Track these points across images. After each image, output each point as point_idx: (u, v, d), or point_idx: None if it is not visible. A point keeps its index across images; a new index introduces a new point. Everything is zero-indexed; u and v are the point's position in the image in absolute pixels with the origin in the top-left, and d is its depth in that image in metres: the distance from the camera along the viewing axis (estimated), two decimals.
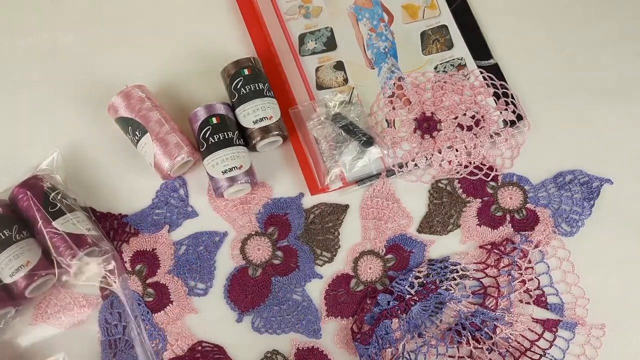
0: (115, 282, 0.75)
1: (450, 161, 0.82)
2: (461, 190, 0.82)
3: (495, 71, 0.86)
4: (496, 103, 0.84)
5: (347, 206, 0.81)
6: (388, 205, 0.81)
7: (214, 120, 0.77)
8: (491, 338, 0.75)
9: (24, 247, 0.71)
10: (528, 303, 0.78)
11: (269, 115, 0.78)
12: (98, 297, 0.76)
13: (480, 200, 0.82)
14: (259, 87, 0.79)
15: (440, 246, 0.80)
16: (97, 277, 0.75)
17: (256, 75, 0.79)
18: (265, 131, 0.78)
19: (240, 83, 0.78)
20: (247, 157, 0.78)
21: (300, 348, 0.76)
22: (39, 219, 0.72)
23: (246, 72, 0.79)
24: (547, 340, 0.76)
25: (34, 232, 0.73)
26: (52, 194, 0.74)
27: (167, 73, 0.85)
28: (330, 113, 0.81)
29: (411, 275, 0.77)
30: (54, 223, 0.72)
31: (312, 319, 0.77)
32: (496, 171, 0.82)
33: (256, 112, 0.78)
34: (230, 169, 0.75)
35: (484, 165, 0.82)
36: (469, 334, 0.75)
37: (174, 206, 0.80)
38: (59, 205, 0.73)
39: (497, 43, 0.88)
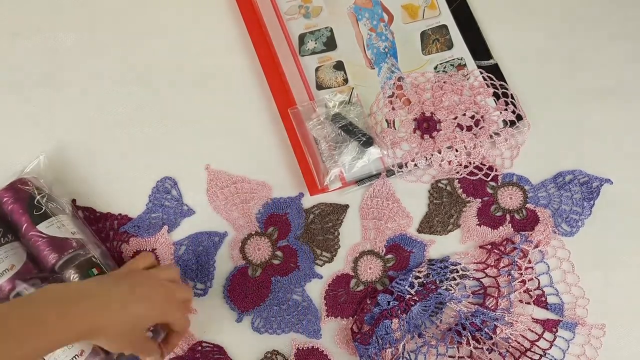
0: None
1: (450, 161, 0.82)
2: (461, 190, 0.82)
3: (495, 71, 0.86)
4: (496, 103, 0.84)
5: (346, 206, 0.81)
6: (388, 205, 0.81)
7: None
8: (491, 338, 0.75)
9: (9, 251, 0.71)
10: (528, 303, 0.77)
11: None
12: None
13: (480, 200, 0.82)
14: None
15: (440, 246, 0.80)
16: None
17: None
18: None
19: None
20: None
21: (300, 348, 0.76)
22: (23, 222, 0.71)
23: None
24: (547, 341, 0.76)
25: (19, 236, 0.72)
26: (37, 197, 0.72)
27: (165, 73, 0.85)
28: (329, 113, 0.81)
29: (411, 275, 0.77)
30: (38, 226, 0.71)
31: (312, 319, 0.77)
32: (496, 171, 0.82)
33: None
34: None
35: (484, 165, 0.82)
36: (469, 334, 0.75)
37: (169, 207, 0.80)
38: (43, 208, 0.72)
39: (497, 43, 0.88)
